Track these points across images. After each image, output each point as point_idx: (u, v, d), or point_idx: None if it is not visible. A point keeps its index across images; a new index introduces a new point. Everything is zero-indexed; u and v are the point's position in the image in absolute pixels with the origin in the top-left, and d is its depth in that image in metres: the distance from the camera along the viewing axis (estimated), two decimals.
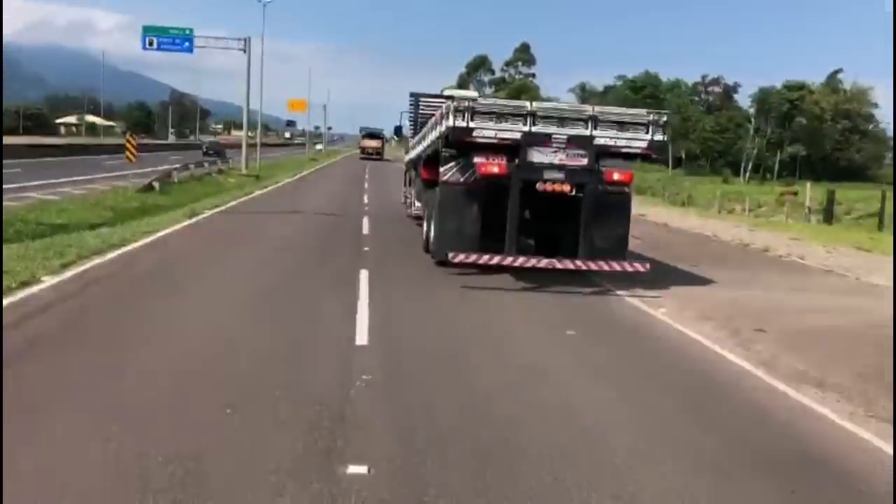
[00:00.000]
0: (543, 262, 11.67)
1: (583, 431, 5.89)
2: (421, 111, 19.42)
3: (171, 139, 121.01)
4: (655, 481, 5.03)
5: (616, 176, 11.80)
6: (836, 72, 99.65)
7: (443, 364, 7.40)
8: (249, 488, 4.57)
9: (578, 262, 11.60)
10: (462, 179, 12.30)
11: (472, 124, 11.36)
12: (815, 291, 12.86)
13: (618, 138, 11.56)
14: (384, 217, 21.80)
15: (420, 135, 17.34)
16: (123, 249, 12.98)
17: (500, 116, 11.47)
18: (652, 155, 12.57)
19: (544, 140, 11.43)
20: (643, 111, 12.05)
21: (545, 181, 11.49)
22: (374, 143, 78.77)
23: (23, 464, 4.69)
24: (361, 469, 4.85)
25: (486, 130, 11.37)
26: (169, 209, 21.25)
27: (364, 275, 11.93)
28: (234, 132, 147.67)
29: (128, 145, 27.04)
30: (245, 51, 42.92)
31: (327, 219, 21.19)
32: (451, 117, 11.46)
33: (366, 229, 18.81)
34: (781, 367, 8.00)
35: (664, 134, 11.79)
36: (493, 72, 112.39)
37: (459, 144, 11.91)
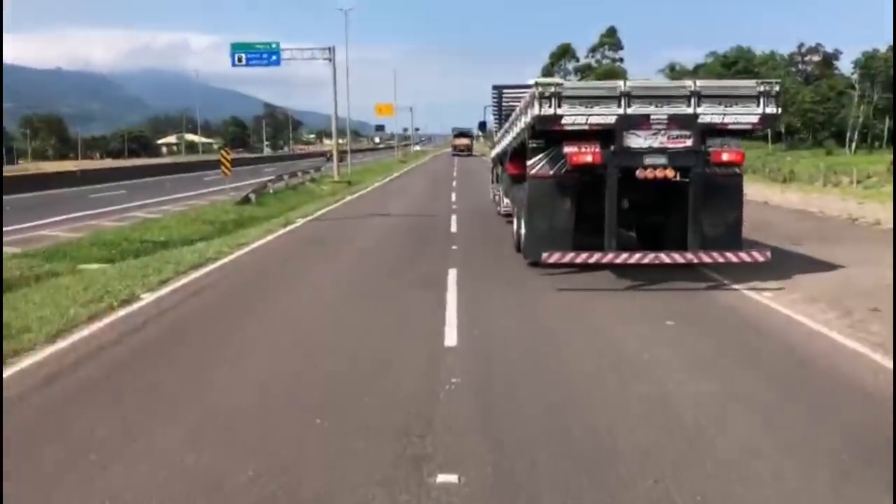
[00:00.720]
0: (648, 258, 10.59)
1: (683, 429, 5.56)
2: (504, 104, 18.93)
3: (267, 151, 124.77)
4: (768, 482, 4.69)
5: (725, 156, 10.68)
6: None
7: (534, 365, 7.17)
8: (336, 500, 4.50)
9: (688, 255, 10.53)
10: (552, 172, 11.50)
11: (559, 111, 10.48)
12: None
13: (725, 114, 10.51)
14: (472, 215, 21.68)
15: (504, 128, 16.66)
16: (218, 263, 13.30)
17: (590, 100, 10.55)
18: (760, 130, 11.60)
19: (642, 122, 10.47)
20: (752, 82, 10.93)
21: (645, 167, 10.44)
22: (464, 141, 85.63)
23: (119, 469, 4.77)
24: (451, 478, 4.70)
25: (575, 116, 10.47)
26: (265, 220, 21.77)
27: (452, 274, 11.83)
28: (326, 140, 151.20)
29: (223, 160, 27.84)
30: (330, 59, 43.73)
31: (416, 219, 21.25)
32: (536, 105, 10.61)
33: (454, 228, 18.72)
34: None
35: (777, 106, 10.61)
36: (577, 59, 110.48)
37: (547, 134, 11.11)
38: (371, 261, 13.76)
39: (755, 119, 10.60)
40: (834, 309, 9.12)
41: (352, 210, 24.79)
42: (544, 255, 10.57)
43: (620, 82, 10.90)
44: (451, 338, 8.06)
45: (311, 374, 6.92)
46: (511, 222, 15.14)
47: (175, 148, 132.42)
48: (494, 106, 19.94)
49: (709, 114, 10.47)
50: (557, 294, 10.51)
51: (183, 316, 9.43)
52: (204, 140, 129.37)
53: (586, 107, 10.46)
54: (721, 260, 10.53)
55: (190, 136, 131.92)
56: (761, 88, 10.53)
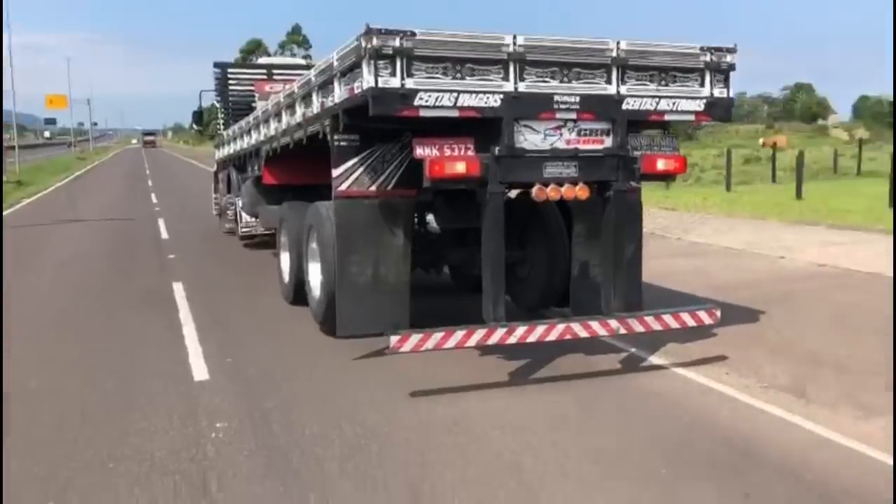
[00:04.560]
0: (557, 331, 6.42)
1: None
2: (232, 88, 15.39)
3: None
4: None
5: (661, 164, 7.01)
6: None
7: (312, 385, 6.26)
8: None
9: (611, 323, 6.56)
10: (374, 188, 7.13)
11: (409, 83, 6.04)
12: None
13: (659, 97, 6.79)
14: (179, 216, 19.87)
15: (252, 119, 11.64)
16: None
17: (460, 65, 6.17)
18: (703, 123, 7.52)
19: (540, 107, 6.42)
20: (694, 46, 6.95)
21: (545, 181, 6.48)
22: (151, 139, 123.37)
23: None
24: None
25: (438, 94, 6.10)
26: None
27: (179, 288, 10.37)
28: None
29: None
30: None
31: (117, 224, 18.82)
32: (367, 71, 6.01)
33: (164, 234, 16.82)
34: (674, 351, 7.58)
35: (727, 86, 7.05)
36: (269, 55, 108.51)
37: (383, 122, 6.46)
38: (75, 277, 11.66)
39: (699, 106, 6.97)
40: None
41: (33, 216, 21.41)
42: (394, 339, 5.98)
43: (508, 36, 6.36)
44: (199, 369, 6.81)
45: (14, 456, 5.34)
46: (276, 253, 10.36)
47: None
48: (217, 91, 15.84)
49: (638, 96, 6.74)
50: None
51: None
52: None
53: (454, 77, 6.18)
54: (658, 327, 6.78)
55: None
56: (708, 58, 6.92)
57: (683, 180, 24.98)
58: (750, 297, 9.20)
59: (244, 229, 14.07)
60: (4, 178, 37.44)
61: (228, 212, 15.60)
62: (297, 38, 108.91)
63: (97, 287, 10.81)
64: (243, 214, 13.86)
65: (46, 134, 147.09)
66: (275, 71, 15.08)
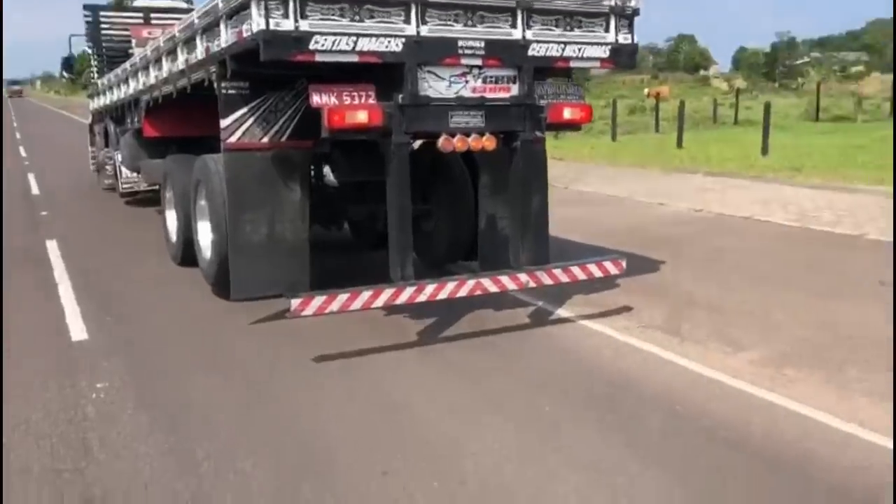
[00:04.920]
0: (468, 287, 6.21)
1: None
2: (105, 33, 14.48)
3: None
4: None
5: (568, 113, 6.83)
6: None
7: (199, 345, 6.14)
8: None
9: (521, 277, 6.41)
10: (267, 139, 6.66)
11: (304, 25, 5.62)
12: None
13: (565, 42, 6.58)
14: (52, 170, 18.86)
15: (129, 66, 10.74)
16: None
17: (356, 6, 5.77)
18: (609, 68, 7.39)
19: (444, 52, 6.14)
20: None
21: (452, 131, 6.21)
22: (17, 88, 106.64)
23: None
24: None
25: (335, 38, 5.70)
26: None
27: (52, 246, 9.90)
28: None
29: None
30: None
31: None
32: (257, 13, 5.55)
33: (35, 189, 15.94)
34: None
35: (631, 32, 6.88)
36: None
37: (276, 68, 5.99)
38: None
39: (604, 53, 6.80)
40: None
41: None
42: (295, 302, 5.60)
43: None
44: (77, 329, 6.57)
45: None
46: (161, 211, 9.80)
47: None
48: (89, 37, 14.87)
49: (543, 41, 6.49)
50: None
51: None
52: None
53: (352, 19, 5.79)
54: (566, 279, 6.66)
55: None
56: (612, 2, 6.73)
57: None
58: (631, 243, 9.55)
59: (125, 185, 13.50)
60: None
61: (107, 167, 14.70)
62: None
63: None
64: (123, 169, 13.14)
65: None
66: (153, 15, 14.30)
